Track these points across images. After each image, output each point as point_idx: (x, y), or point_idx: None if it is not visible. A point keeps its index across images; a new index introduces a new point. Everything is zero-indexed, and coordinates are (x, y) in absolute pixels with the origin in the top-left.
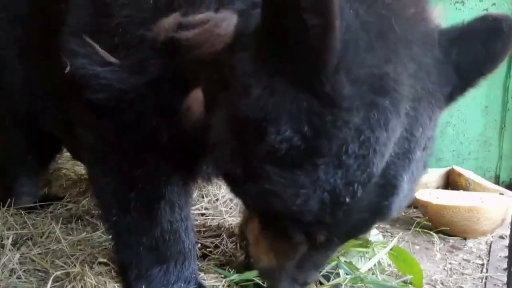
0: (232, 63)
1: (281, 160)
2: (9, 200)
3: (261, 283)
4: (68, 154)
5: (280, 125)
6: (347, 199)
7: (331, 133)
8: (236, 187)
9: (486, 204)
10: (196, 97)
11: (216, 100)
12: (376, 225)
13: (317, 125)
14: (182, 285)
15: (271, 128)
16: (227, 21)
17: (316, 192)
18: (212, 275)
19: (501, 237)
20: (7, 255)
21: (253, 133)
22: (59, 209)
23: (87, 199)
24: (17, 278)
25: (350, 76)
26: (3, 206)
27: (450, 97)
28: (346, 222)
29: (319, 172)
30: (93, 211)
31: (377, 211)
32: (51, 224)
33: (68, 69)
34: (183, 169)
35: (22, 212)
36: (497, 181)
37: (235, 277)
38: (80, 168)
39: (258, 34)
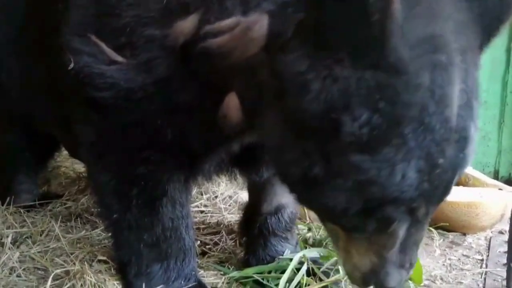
0: (275, 66)
1: (366, 145)
2: (8, 198)
3: (260, 279)
4: (67, 152)
5: (354, 111)
6: (440, 160)
7: (407, 99)
8: (311, 191)
9: (485, 200)
10: (232, 104)
11: (261, 105)
12: None
13: (392, 97)
14: (182, 282)
15: (344, 117)
16: (259, 24)
17: (411, 163)
18: (211, 272)
19: (501, 232)
20: (6, 253)
21: (324, 129)
22: (58, 207)
23: (86, 197)
24: (17, 276)
25: (408, 42)
26: (2, 205)
27: (481, 49)
28: (440, 186)
29: (409, 141)
30: (92, 209)
31: (457, 166)
32: (50, 222)
33: (71, 66)
34: (186, 167)
35: (22, 211)
36: (496, 176)
37: (235, 274)
38: (79, 166)
39: (303, 31)
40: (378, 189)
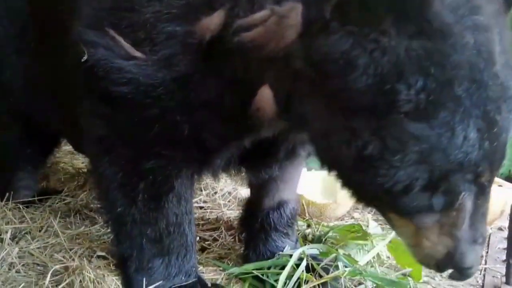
0: (314, 52)
1: (423, 112)
2: (7, 194)
3: (260, 275)
4: (66, 147)
5: (408, 78)
6: (497, 117)
7: (457, 60)
8: (366, 174)
9: None
10: (265, 96)
11: (298, 94)
12: (375, 218)
13: (441, 61)
14: (183, 278)
15: (399, 86)
16: (294, 11)
17: (470, 122)
18: (211, 268)
19: (500, 228)
20: (6, 249)
21: (376, 104)
22: (57, 203)
23: (85, 193)
24: (16, 272)
25: (448, 7)
26: (2, 200)
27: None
28: (499, 147)
29: (464, 101)
30: (91, 205)
31: (509, 127)
32: (49, 218)
33: (85, 58)
34: (196, 162)
35: (21, 206)
36: None
37: (234, 270)
38: (78, 162)
39: (343, 9)
40: (441, 156)
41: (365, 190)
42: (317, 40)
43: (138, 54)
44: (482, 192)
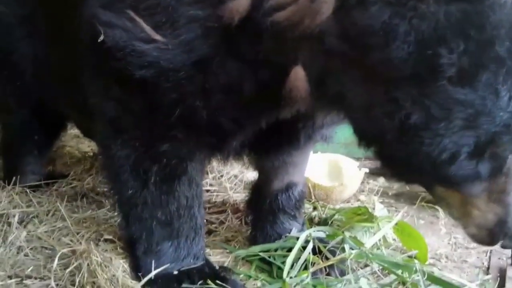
0: (350, 26)
1: (467, 76)
2: (14, 178)
3: (266, 257)
4: (72, 131)
5: (450, 42)
6: None
7: (496, 21)
8: (410, 145)
9: None
10: (298, 76)
11: (334, 71)
12: (381, 200)
13: (480, 23)
14: (191, 260)
15: (441, 50)
16: None
17: None
18: (217, 250)
19: None
20: (14, 233)
21: (418, 71)
22: (64, 187)
23: (91, 176)
24: (25, 255)
25: None
26: (9, 185)
27: None
28: None
29: (507, 61)
30: (98, 189)
31: None
32: (56, 202)
33: (101, 38)
34: (210, 146)
35: (28, 191)
36: None
37: (241, 252)
38: (84, 146)
39: None
40: (487, 119)
41: (411, 163)
42: (353, 14)
43: (158, 37)
44: None
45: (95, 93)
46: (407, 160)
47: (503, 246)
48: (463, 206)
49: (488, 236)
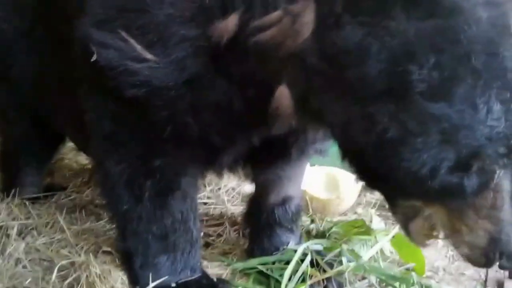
0: (328, 46)
1: (440, 90)
2: (13, 190)
3: (264, 270)
4: (70, 144)
5: (420, 57)
6: None
7: (471, 35)
8: (389, 160)
9: None
10: (283, 95)
11: (314, 89)
12: (378, 213)
13: (455, 37)
14: (189, 273)
15: (411, 66)
16: (308, 8)
17: (492, 95)
18: (215, 263)
19: None
20: (12, 245)
21: (392, 87)
22: (62, 199)
23: (90, 189)
24: (23, 267)
25: None
26: (7, 197)
27: None
28: None
29: (483, 74)
30: (97, 201)
31: None
32: (55, 214)
33: (94, 58)
34: (203, 161)
35: (26, 203)
36: None
37: (239, 265)
38: (82, 158)
39: (353, 2)
40: (466, 133)
41: (391, 179)
42: (330, 34)
43: (150, 56)
44: None
45: (90, 109)
46: (387, 176)
47: (501, 267)
48: (451, 225)
49: (482, 256)
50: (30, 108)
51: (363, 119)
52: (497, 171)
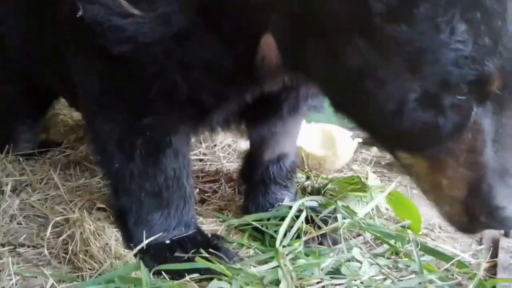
0: None
1: (399, 10)
2: (7, 146)
3: (259, 226)
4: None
5: None
6: (497, 7)
7: None
8: (361, 96)
9: None
10: (268, 44)
11: (299, 34)
12: (374, 170)
13: None
14: (183, 229)
15: None
16: None
17: (456, 13)
18: (210, 219)
19: None
20: (6, 201)
21: (354, 17)
22: (57, 155)
23: (84, 145)
24: (18, 224)
25: None
26: (1, 153)
27: None
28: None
29: None
30: (91, 157)
31: None
32: (49, 170)
33: (80, 14)
34: (193, 118)
35: (21, 159)
36: None
37: (234, 221)
38: (78, 114)
39: None
40: (429, 57)
41: (368, 120)
42: None
43: (136, 11)
44: (501, 106)
45: (78, 68)
46: (364, 116)
47: (481, 226)
48: (430, 176)
49: (463, 212)
50: (20, 65)
51: (333, 57)
52: (474, 108)
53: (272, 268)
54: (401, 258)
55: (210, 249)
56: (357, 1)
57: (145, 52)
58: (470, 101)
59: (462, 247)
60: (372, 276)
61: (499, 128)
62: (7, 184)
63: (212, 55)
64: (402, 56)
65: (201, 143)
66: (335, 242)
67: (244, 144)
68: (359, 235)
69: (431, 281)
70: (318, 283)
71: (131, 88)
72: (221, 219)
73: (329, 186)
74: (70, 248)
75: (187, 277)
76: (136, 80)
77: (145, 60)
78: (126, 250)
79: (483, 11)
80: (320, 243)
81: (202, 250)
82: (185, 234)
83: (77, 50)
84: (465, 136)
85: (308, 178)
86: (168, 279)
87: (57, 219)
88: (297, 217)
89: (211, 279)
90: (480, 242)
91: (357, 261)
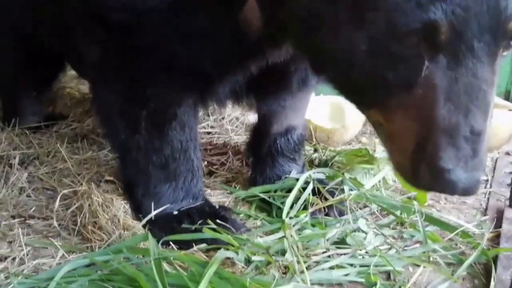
0: None
1: None
2: (13, 120)
3: (266, 198)
4: (72, 72)
5: None
6: None
7: None
8: (320, 42)
9: (494, 120)
10: (251, 8)
11: None
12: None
13: None
14: (191, 201)
15: None
16: None
17: None
18: (218, 191)
19: (507, 153)
20: (15, 174)
21: None
22: (64, 129)
23: (91, 118)
24: (27, 196)
25: None
26: (8, 126)
27: None
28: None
29: None
30: (98, 130)
31: None
32: (56, 143)
33: None
34: (198, 90)
35: (27, 132)
36: (507, 97)
37: (242, 193)
38: (84, 87)
39: None
40: (372, 2)
41: (332, 77)
42: None
43: None
44: (456, 60)
45: (80, 38)
46: (325, 72)
47: (430, 187)
48: (384, 126)
49: (410, 167)
50: (26, 34)
51: (308, 11)
52: (425, 62)
53: (279, 238)
54: (406, 228)
55: (217, 220)
56: None
57: (142, 21)
58: (421, 54)
59: (467, 217)
60: (377, 246)
61: (453, 85)
62: (14, 157)
63: (207, 22)
64: (346, 2)
65: (209, 116)
66: (342, 214)
67: (252, 117)
68: (365, 206)
69: (434, 251)
70: (323, 253)
71: (132, 58)
72: (228, 191)
73: (336, 158)
74: (79, 219)
75: (195, 247)
76: (136, 50)
77: (144, 28)
78: (134, 221)
79: None
80: (327, 214)
81: (209, 221)
82: (193, 206)
83: (78, 18)
84: (416, 91)
85: (315, 150)
86: (176, 249)
87: (65, 191)
88: (304, 189)
89: (218, 249)
90: (485, 213)
91: (363, 231)
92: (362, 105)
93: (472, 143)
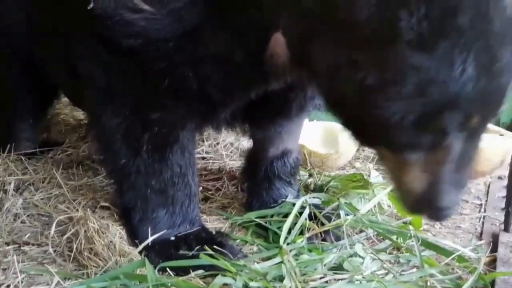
0: None
1: (424, 41)
2: (9, 146)
3: (263, 223)
4: (66, 99)
5: (410, 5)
6: (499, 54)
7: None
8: (364, 105)
9: (486, 145)
10: (278, 42)
11: (311, 33)
12: (376, 167)
13: None
14: (188, 226)
15: (401, 12)
16: None
17: (470, 56)
18: (214, 217)
19: (500, 178)
20: (10, 200)
21: (379, 33)
22: (59, 155)
23: (86, 144)
24: (21, 222)
25: None
26: (3, 152)
27: None
28: (497, 90)
29: (466, 32)
30: (94, 156)
31: (510, 70)
32: (52, 169)
33: (91, 6)
34: (201, 115)
35: (23, 158)
36: (497, 122)
37: (237, 218)
38: (79, 113)
39: None
40: (438, 88)
41: (363, 124)
42: None
43: (146, 7)
44: (471, 138)
45: (84, 60)
46: (361, 121)
47: (428, 216)
48: (399, 170)
49: (414, 202)
50: (23, 59)
51: (348, 64)
52: (451, 134)
53: (276, 264)
54: (403, 253)
55: (214, 246)
56: (387, 20)
57: (155, 48)
58: (450, 128)
59: (463, 242)
60: (374, 271)
61: (464, 152)
62: (10, 183)
63: (222, 50)
64: (415, 80)
65: (203, 141)
66: (338, 238)
67: (246, 142)
68: (361, 231)
69: (431, 275)
70: (321, 278)
71: (139, 82)
72: (224, 217)
73: (331, 183)
74: (75, 246)
75: (192, 274)
76: (145, 74)
77: (155, 55)
78: (130, 247)
79: (489, 57)
80: (323, 240)
81: (206, 247)
82: (190, 231)
83: (84, 40)
84: (437, 152)
85: (310, 175)
86: (173, 275)
87: (61, 217)
88: (300, 214)
89: (216, 275)
90: (480, 237)
91: (360, 256)
92: (379, 147)
93: (461, 186)
